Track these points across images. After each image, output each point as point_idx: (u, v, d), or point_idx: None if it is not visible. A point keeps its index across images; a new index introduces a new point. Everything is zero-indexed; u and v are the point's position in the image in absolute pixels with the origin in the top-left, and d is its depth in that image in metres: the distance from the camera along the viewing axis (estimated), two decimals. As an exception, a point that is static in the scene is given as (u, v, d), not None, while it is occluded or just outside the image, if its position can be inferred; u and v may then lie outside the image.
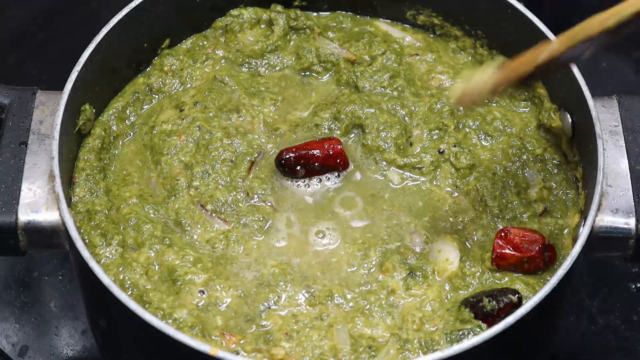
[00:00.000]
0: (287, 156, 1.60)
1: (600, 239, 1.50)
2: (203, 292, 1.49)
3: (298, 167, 1.60)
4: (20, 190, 1.50)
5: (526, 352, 1.54)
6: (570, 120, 1.61)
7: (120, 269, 1.50)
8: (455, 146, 1.62)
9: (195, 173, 1.60)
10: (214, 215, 1.57)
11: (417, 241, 1.55)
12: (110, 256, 1.51)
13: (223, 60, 1.74)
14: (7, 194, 1.49)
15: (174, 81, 1.71)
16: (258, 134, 1.65)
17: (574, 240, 1.50)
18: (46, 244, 1.50)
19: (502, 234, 1.52)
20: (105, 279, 1.40)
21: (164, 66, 1.71)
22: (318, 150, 1.60)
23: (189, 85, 1.71)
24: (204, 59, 1.73)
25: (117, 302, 1.38)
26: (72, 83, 1.56)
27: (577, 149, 1.61)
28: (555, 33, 1.63)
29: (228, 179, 1.60)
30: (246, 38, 1.75)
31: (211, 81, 1.70)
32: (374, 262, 1.53)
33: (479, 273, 1.52)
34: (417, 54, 1.75)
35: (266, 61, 1.74)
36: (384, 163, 1.62)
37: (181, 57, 1.73)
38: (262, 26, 1.75)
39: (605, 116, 1.58)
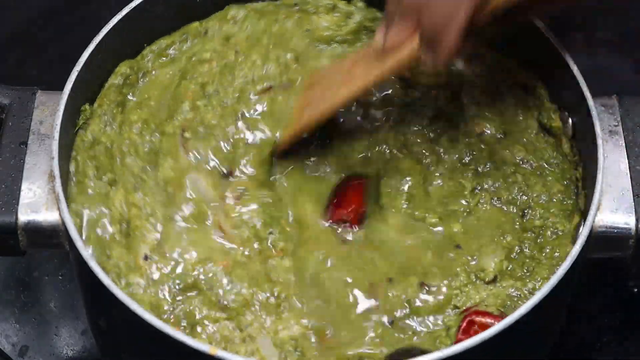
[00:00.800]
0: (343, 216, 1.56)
1: (600, 239, 1.50)
2: (147, 258, 1.50)
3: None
4: (20, 190, 1.50)
5: (526, 352, 1.54)
6: (570, 120, 1.61)
7: (97, 206, 1.51)
8: (463, 234, 1.56)
9: (205, 92, 1.61)
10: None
11: None
12: (96, 191, 1.53)
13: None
14: (7, 194, 1.50)
15: (232, 27, 1.69)
16: (298, 73, 1.64)
17: (574, 240, 1.50)
18: (46, 243, 1.51)
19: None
20: (105, 279, 1.40)
21: (227, 15, 1.70)
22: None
23: (246, 30, 1.69)
24: (273, 20, 1.70)
25: (117, 302, 1.38)
26: (72, 83, 1.57)
27: (577, 149, 1.61)
28: (556, 33, 1.63)
29: (237, 95, 1.61)
30: (320, 22, 1.72)
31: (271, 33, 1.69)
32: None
33: None
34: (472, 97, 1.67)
35: (331, 48, 1.70)
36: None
37: (250, 11, 1.71)
38: (337, 15, 1.72)
39: (605, 116, 1.58)
